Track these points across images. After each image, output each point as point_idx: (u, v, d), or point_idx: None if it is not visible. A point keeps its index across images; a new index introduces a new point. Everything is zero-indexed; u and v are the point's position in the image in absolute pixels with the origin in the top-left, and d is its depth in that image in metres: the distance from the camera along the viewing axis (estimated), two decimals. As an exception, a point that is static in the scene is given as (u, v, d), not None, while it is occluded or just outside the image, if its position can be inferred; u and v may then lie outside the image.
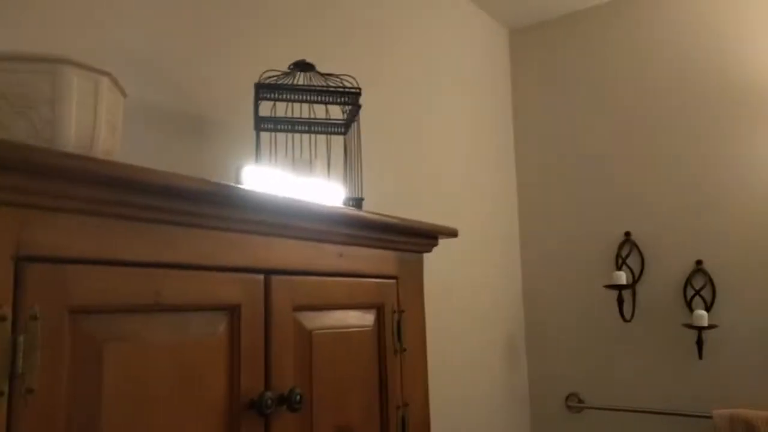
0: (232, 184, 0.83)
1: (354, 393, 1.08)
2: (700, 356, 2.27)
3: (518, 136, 2.81)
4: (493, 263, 2.53)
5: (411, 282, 1.25)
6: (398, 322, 1.19)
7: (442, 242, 1.39)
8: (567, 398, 2.56)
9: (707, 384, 2.28)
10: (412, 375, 1.23)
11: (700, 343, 2.26)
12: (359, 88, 1.23)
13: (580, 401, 2.53)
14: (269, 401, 0.85)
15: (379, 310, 1.16)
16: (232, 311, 0.85)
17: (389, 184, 1.91)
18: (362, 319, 1.12)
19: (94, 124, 0.78)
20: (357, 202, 1.21)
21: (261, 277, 0.90)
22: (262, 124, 1.27)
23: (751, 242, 2.24)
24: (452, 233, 1.31)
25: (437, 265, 2.03)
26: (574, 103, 2.68)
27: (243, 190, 0.85)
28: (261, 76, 1.23)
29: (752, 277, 2.23)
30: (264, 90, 1.20)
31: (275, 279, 0.92)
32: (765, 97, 2.26)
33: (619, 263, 2.49)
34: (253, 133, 1.24)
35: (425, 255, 1.31)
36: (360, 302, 1.11)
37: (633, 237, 2.48)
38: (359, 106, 1.24)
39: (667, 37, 2.48)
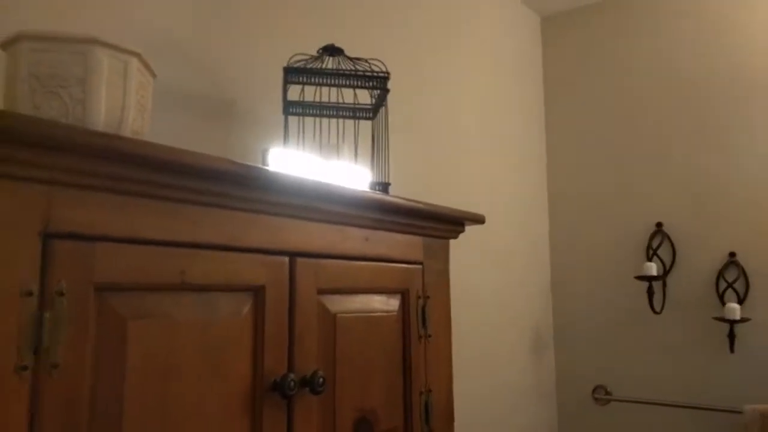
0: (259, 165, 0.83)
1: (377, 377, 1.08)
2: (732, 350, 2.22)
3: (549, 124, 2.77)
4: (521, 253, 2.50)
5: (437, 268, 1.24)
6: (423, 308, 1.18)
7: (471, 230, 1.38)
8: (594, 390, 2.53)
9: (738, 379, 2.23)
10: (436, 361, 1.22)
11: (731, 336, 2.21)
12: (388, 73, 1.22)
13: (608, 393, 2.50)
14: (292, 383, 0.86)
15: (404, 296, 1.15)
16: (257, 292, 0.85)
17: (417, 170, 1.90)
18: (387, 303, 1.12)
19: (123, 104, 0.78)
20: (384, 187, 1.21)
21: (286, 259, 0.90)
22: (290, 108, 1.27)
23: (789, 235, 2.18)
24: (479, 220, 1.30)
25: (465, 253, 2.02)
26: (605, 91, 2.62)
27: (270, 171, 0.84)
28: (289, 60, 1.22)
29: (789, 270, 2.17)
30: (292, 74, 1.19)
31: (300, 261, 0.92)
32: (808, 85, 2.18)
33: (650, 254, 2.44)
34: (281, 117, 1.24)
35: (454, 243, 1.30)
36: (385, 287, 1.11)
37: (665, 227, 2.43)
38: (387, 91, 1.23)
39: (703, 24, 2.41)
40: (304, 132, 1.25)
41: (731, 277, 2.26)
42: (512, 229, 2.44)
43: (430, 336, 1.20)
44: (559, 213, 2.70)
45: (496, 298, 2.30)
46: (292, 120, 1.28)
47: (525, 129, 2.64)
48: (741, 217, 2.27)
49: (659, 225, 2.44)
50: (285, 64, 1.20)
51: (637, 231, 2.49)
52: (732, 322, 2.19)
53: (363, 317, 1.06)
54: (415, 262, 1.18)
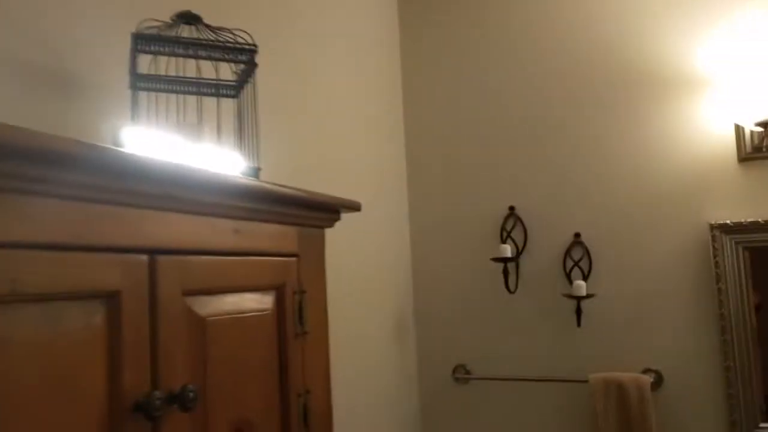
0: (109, 146, 0.69)
1: (253, 383, 0.97)
2: (579, 324, 2.38)
3: (407, 106, 2.77)
4: (381, 238, 2.49)
5: (313, 260, 1.16)
6: (300, 304, 1.09)
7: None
8: (454, 370, 2.60)
9: (585, 350, 2.40)
10: (314, 360, 1.14)
11: (578, 311, 2.38)
12: (255, 45, 1.10)
13: (467, 372, 2.58)
14: (158, 401, 0.73)
15: (279, 292, 1.05)
16: (111, 299, 0.71)
17: (281, 154, 1.78)
18: (261, 301, 1.01)
19: None
20: (253, 172, 1.09)
21: (145, 257, 0.76)
22: (139, 82, 1.10)
23: (625, 216, 2.38)
24: (355, 207, 1.23)
25: (328, 241, 1.94)
26: (463, 75, 2.68)
27: (122, 153, 0.70)
28: (138, 26, 1.06)
29: (624, 248, 2.37)
30: (143, 41, 1.03)
31: (162, 260, 0.79)
32: (638, 79, 2.38)
33: (504, 236, 2.54)
34: (128, 92, 1.07)
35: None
36: (258, 283, 1.00)
37: (517, 211, 2.54)
38: (255, 65, 1.11)
39: (560, 14, 2.54)
40: (157, 109, 1.09)
41: (577, 256, 2.43)
42: (373, 214, 2.41)
43: (306, 333, 1.11)
44: (418, 197, 2.72)
45: (360, 285, 2.26)
46: (142, 97, 1.12)
47: (384, 110, 2.61)
48: (585, 201, 2.45)
49: (512, 209, 2.55)
50: (133, 30, 1.04)
51: (492, 215, 2.58)
52: (579, 299, 2.35)
53: (236, 319, 0.94)
54: (290, 255, 1.08)
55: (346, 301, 2.14)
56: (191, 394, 0.76)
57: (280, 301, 1.05)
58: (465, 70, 2.67)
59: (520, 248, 2.53)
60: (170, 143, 0.93)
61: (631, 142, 2.38)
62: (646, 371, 2.29)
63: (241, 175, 0.96)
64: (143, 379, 0.73)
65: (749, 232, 2.16)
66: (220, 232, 0.92)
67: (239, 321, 0.95)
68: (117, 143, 0.85)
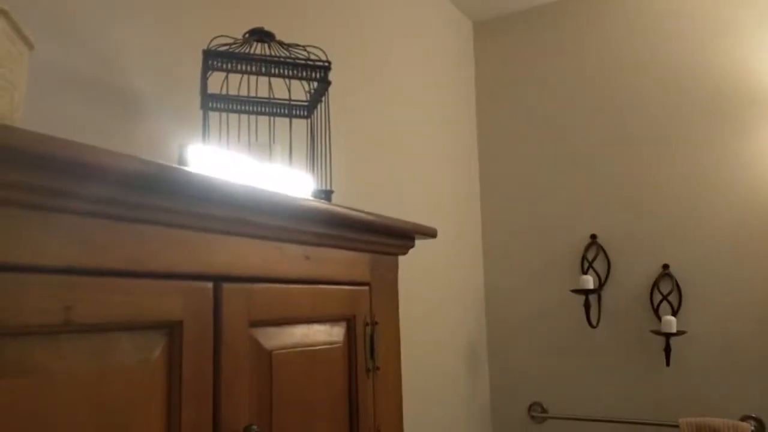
0: (174, 165, 0.64)
1: (321, 421, 0.90)
2: (668, 363, 2.19)
3: (482, 132, 2.68)
4: (455, 267, 2.39)
5: (385, 289, 1.08)
6: (371, 336, 1.01)
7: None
8: (530, 408, 2.44)
9: (674, 392, 2.20)
10: (386, 397, 1.06)
11: (667, 349, 2.18)
12: (329, 62, 1.05)
13: (544, 410, 2.42)
14: (219, 445, 0.66)
15: (350, 323, 0.98)
16: (172, 330, 0.66)
17: (353, 177, 1.73)
18: (330, 333, 0.94)
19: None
20: (326, 195, 1.03)
21: (210, 285, 0.71)
22: (210, 101, 1.07)
23: (717, 247, 2.18)
24: (431, 234, 1.15)
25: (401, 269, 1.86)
26: (538, 99, 2.57)
27: (189, 173, 0.65)
28: (210, 43, 1.03)
29: (718, 282, 2.17)
30: (214, 58, 1.00)
31: (227, 287, 0.73)
32: (733, 104, 2.20)
33: (586, 267, 2.39)
34: (199, 112, 1.04)
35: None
36: (328, 314, 0.93)
37: (599, 240, 2.39)
38: (328, 83, 1.06)
39: (638, 36, 2.40)
40: (228, 129, 1.06)
41: (665, 290, 2.25)
42: (446, 243, 2.32)
43: (378, 368, 1.03)
44: (493, 225, 2.61)
45: (429, 316, 2.16)
46: (213, 117, 1.09)
47: (458, 137, 2.54)
48: (673, 230, 2.26)
49: (594, 237, 2.39)
50: (205, 48, 1.01)
51: (572, 243, 2.43)
52: (668, 335, 2.16)
53: (304, 352, 0.87)
54: (361, 283, 1.01)
55: (416, 332, 2.05)
56: (254, 437, 0.69)
57: (350, 334, 0.98)
58: (542, 95, 2.56)
59: (603, 280, 2.36)
60: (240, 164, 0.88)
61: (726, 168, 2.19)
62: (745, 418, 2.07)
63: (312, 198, 0.90)
64: (204, 419, 0.67)
65: None
66: (290, 259, 0.85)
67: (307, 354, 0.88)
68: (184, 163, 0.81)
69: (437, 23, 2.44)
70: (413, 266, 2.04)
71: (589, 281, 2.29)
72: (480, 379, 2.48)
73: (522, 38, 2.63)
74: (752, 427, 2.03)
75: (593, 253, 2.39)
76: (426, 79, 2.30)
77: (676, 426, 2.11)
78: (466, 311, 2.44)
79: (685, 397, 2.18)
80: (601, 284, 2.35)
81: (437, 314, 2.22)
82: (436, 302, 2.22)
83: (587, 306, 2.33)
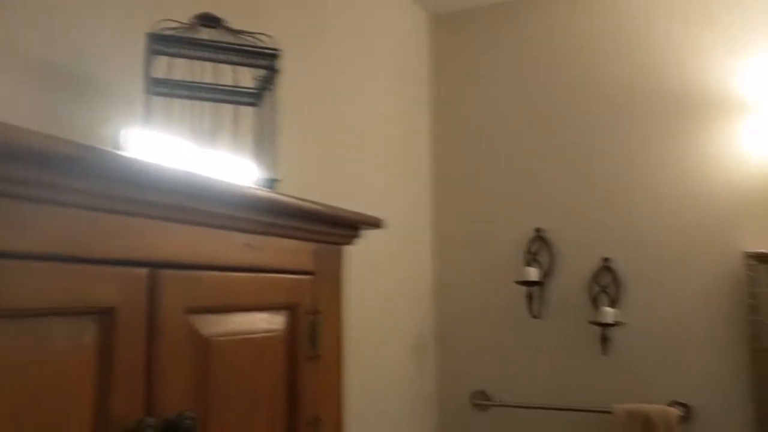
0: (111, 149, 0.63)
1: (261, 408, 0.91)
2: (605, 352, 2.28)
3: (436, 125, 2.71)
4: (405, 258, 2.41)
5: (329, 278, 1.09)
6: (313, 325, 1.02)
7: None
8: (473, 396, 2.50)
9: (610, 380, 2.30)
10: (327, 385, 1.07)
11: (604, 339, 2.27)
12: (277, 49, 1.04)
13: (487, 398, 2.48)
14: (150, 429, 0.66)
15: (292, 312, 0.99)
16: (105, 316, 0.65)
17: (300, 167, 1.72)
18: (272, 321, 0.95)
19: None
20: (270, 183, 1.03)
21: (146, 271, 0.70)
22: (155, 87, 1.05)
23: (657, 241, 2.28)
24: (377, 224, 1.17)
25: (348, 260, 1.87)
26: (492, 95, 2.61)
27: (125, 157, 0.65)
28: (155, 26, 1.01)
29: (656, 275, 2.27)
30: (159, 42, 0.98)
31: (165, 274, 0.73)
32: (675, 103, 2.29)
33: (529, 259, 2.45)
34: (142, 95, 1.02)
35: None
36: (270, 302, 0.94)
37: (543, 233, 2.45)
38: (277, 71, 1.05)
39: (591, 35, 2.46)
40: (173, 115, 1.04)
41: (604, 282, 2.33)
42: (397, 234, 2.34)
43: (319, 356, 1.04)
44: (444, 217, 2.65)
45: (379, 306, 2.18)
46: (158, 102, 1.07)
47: (411, 129, 2.56)
48: (615, 224, 2.35)
49: (538, 230, 2.46)
50: (149, 31, 0.99)
51: (518, 236, 2.49)
52: (605, 326, 2.25)
53: (244, 340, 0.88)
54: (305, 272, 1.02)
55: (365, 321, 2.07)
56: (188, 422, 0.70)
57: (292, 322, 0.99)
58: (495, 89, 2.61)
59: (546, 272, 2.43)
60: (181, 150, 0.87)
61: (666, 167, 2.29)
62: (673, 404, 2.18)
63: (254, 186, 0.90)
64: (135, 405, 0.67)
65: (789, 263, 2.05)
66: (231, 246, 0.85)
67: (248, 342, 0.89)
68: (121, 148, 0.80)
69: (392, 14, 2.45)
70: (364, 256, 2.05)
71: (532, 273, 2.36)
72: (427, 369, 2.52)
73: (479, 33, 2.67)
74: (680, 412, 2.14)
75: (537, 245, 2.45)
76: (379, 69, 2.30)
77: (611, 413, 2.20)
78: (414, 302, 2.48)
79: (620, 385, 2.28)
80: (544, 276, 2.42)
81: (386, 304, 2.25)
82: (386, 292, 2.25)
83: (530, 297, 2.40)
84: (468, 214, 2.61)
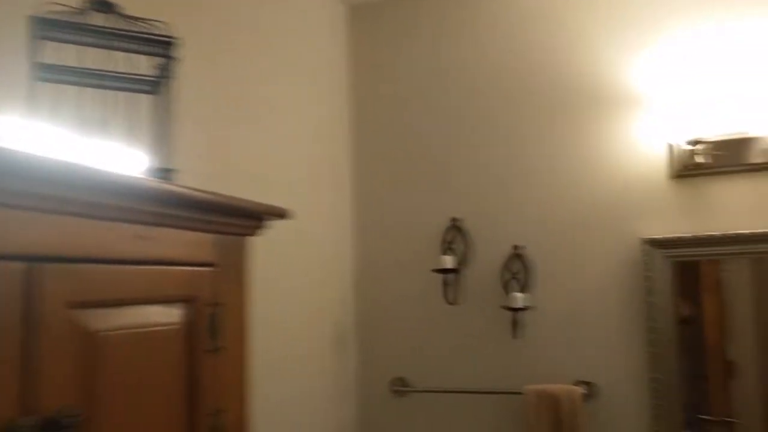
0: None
1: (156, 403, 0.89)
2: (515, 336, 2.37)
3: (355, 116, 2.72)
4: (323, 249, 2.42)
5: (232, 270, 1.08)
6: (213, 317, 1.02)
7: (273, 225, 1.23)
8: (392, 383, 2.55)
9: (521, 362, 2.40)
10: (230, 377, 1.06)
11: (515, 323, 2.37)
12: (173, 37, 1.02)
13: (405, 385, 2.53)
14: (26, 429, 0.64)
15: (190, 304, 0.97)
16: (-24, 313, 0.62)
17: (207, 158, 1.69)
18: (168, 314, 0.93)
19: None
20: (166, 174, 1.01)
21: (21, 266, 0.68)
22: (42, 73, 1.00)
23: (562, 230, 2.39)
24: (282, 214, 1.16)
25: (261, 250, 1.85)
26: (409, 87, 2.65)
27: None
28: (41, 8, 0.97)
29: (562, 261, 2.38)
30: (45, 26, 0.94)
31: (44, 268, 0.70)
32: (577, 97, 2.40)
33: (445, 248, 2.52)
34: (26, 83, 0.97)
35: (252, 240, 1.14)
36: (165, 295, 0.92)
37: (459, 222, 2.52)
38: (173, 59, 1.03)
39: (506, 31, 2.54)
40: (59, 103, 1.00)
41: (515, 269, 2.42)
42: (314, 224, 2.34)
43: (221, 349, 1.03)
44: (364, 207, 2.67)
45: (296, 297, 2.18)
46: (44, 89, 1.02)
47: (331, 120, 2.56)
48: (525, 213, 2.44)
49: (454, 220, 2.52)
50: (33, 13, 0.94)
51: (435, 225, 2.55)
52: (515, 310, 2.34)
53: (137, 334, 0.86)
54: (204, 264, 1.01)
55: (281, 312, 2.06)
56: (68, 419, 0.68)
57: (190, 315, 0.97)
58: (412, 81, 2.64)
59: (462, 259, 2.50)
60: (67, 140, 0.84)
61: (569, 159, 2.40)
62: (578, 383, 2.30)
63: (146, 177, 0.88)
64: (9, 404, 0.64)
65: (678, 247, 2.20)
66: (120, 238, 0.83)
67: (141, 336, 0.87)
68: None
69: (308, 4, 2.43)
70: (282, 246, 2.04)
71: (448, 261, 2.42)
72: (347, 358, 2.55)
73: (396, 25, 2.70)
74: (584, 390, 2.26)
75: (453, 234, 2.52)
76: (294, 59, 2.28)
77: (522, 393, 2.30)
78: (334, 291, 2.49)
79: (530, 367, 2.38)
80: (460, 264, 2.49)
81: (306, 294, 2.25)
82: (306, 282, 2.25)
83: (446, 285, 2.46)
84: (388, 204, 2.64)
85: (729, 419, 2.15)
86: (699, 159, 2.18)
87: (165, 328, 0.92)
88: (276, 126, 2.12)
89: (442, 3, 2.63)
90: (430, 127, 2.60)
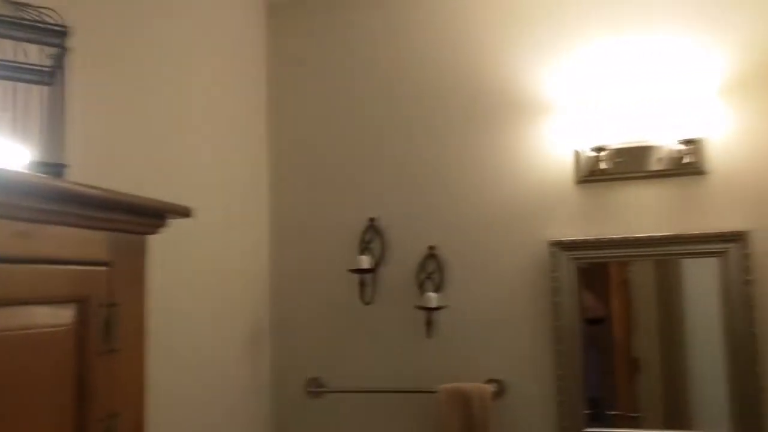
0: None
1: (42, 406, 0.85)
2: (429, 335, 2.42)
3: (273, 114, 2.69)
4: (237, 248, 2.38)
5: (129, 269, 1.05)
6: (108, 318, 0.98)
7: (180, 224, 1.20)
8: (307, 384, 2.53)
9: (435, 362, 2.43)
10: (127, 380, 1.03)
11: (429, 323, 2.41)
12: (66, 26, 0.98)
13: (320, 386, 2.53)
14: None
15: (82, 305, 0.94)
16: None
17: (107, 154, 1.61)
18: (56, 315, 0.89)
19: None
20: (56, 169, 0.97)
21: None
22: None
23: (474, 231, 2.45)
24: (184, 212, 1.14)
25: (171, 250, 1.80)
26: (328, 86, 2.65)
27: None
28: None
29: (474, 262, 2.44)
30: None
31: None
32: (491, 103, 2.47)
33: (363, 248, 2.53)
34: None
35: (159, 238, 1.11)
36: (53, 295, 0.88)
37: (377, 222, 2.54)
38: (66, 50, 0.99)
39: (421, 33, 2.57)
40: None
41: (430, 269, 2.47)
42: (227, 224, 2.30)
43: (116, 350, 1.00)
44: (280, 208, 2.65)
45: (206, 297, 2.13)
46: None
47: (246, 118, 2.52)
48: (440, 215, 2.49)
49: (372, 220, 2.54)
50: None
51: (353, 225, 2.56)
52: (429, 310, 2.38)
53: (19, 335, 0.82)
54: (97, 263, 0.97)
55: (192, 313, 2.01)
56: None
57: (82, 315, 0.94)
58: (331, 79, 2.64)
59: (379, 260, 2.52)
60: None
61: (482, 161, 2.47)
62: (489, 381, 2.37)
63: (28, 171, 0.84)
64: None
65: (583, 249, 2.31)
66: (2, 236, 0.79)
67: (24, 338, 0.83)
68: None
69: (224, 1, 2.39)
70: (193, 246, 2.00)
71: (364, 261, 2.44)
72: (261, 359, 2.51)
73: (314, 24, 2.68)
74: (494, 388, 2.33)
75: (371, 234, 2.54)
76: (207, 56, 2.23)
77: (435, 392, 2.35)
78: (249, 291, 2.45)
79: (443, 366, 2.42)
80: (376, 264, 2.51)
81: (219, 294, 2.20)
82: (219, 283, 2.20)
83: (362, 285, 2.48)
84: (305, 203, 2.63)
85: (634, 414, 2.27)
86: (603, 165, 2.30)
87: (54, 329, 0.88)
88: (184, 121, 2.06)
89: (360, 2, 2.64)
90: (348, 127, 2.61)
